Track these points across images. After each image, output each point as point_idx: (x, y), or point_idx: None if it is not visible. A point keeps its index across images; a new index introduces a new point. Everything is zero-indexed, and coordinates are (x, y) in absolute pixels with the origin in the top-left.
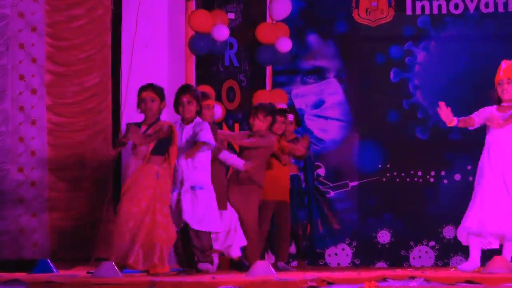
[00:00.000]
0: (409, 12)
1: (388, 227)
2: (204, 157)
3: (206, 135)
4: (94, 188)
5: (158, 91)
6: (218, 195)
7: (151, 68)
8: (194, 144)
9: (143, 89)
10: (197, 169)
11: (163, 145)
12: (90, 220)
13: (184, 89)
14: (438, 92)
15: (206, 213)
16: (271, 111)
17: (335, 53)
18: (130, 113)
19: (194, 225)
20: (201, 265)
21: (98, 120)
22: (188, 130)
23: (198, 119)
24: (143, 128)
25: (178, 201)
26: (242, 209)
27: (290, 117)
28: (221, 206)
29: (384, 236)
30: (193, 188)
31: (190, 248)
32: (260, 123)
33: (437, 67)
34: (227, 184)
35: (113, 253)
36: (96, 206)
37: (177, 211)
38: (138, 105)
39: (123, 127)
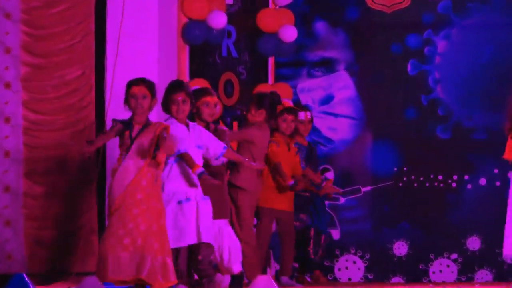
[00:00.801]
0: None
1: (405, 237)
2: None
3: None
4: (75, 194)
5: (150, 86)
6: (219, 203)
7: (140, 59)
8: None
9: (133, 83)
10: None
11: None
12: (71, 230)
13: (178, 87)
14: (460, 86)
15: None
16: (266, 102)
17: (345, 43)
18: (115, 110)
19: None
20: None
21: (80, 117)
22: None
23: (191, 123)
24: (137, 128)
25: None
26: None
27: (308, 114)
28: (224, 215)
29: (400, 248)
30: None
31: (195, 265)
32: (251, 117)
33: (460, 58)
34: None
35: (110, 265)
36: (78, 214)
37: (185, 223)
38: (126, 101)
39: (108, 125)
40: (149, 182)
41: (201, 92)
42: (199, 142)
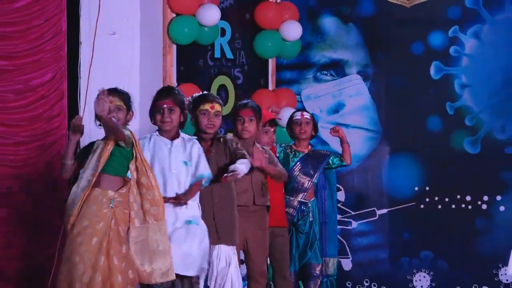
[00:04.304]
0: None
1: (428, 268)
2: None
3: (207, 166)
4: (43, 218)
5: (124, 97)
6: (229, 228)
7: (119, 61)
8: (194, 184)
9: None
10: (190, 200)
11: (121, 160)
12: (38, 261)
13: (165, 92)
14: (492, 92)
15: (198, 256)
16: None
17: (358, 42)
18: (91, 120)
19: (189, 271)
20: None
21: (49, 129)
22: (178, 148)
23: (182, 133)
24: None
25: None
26: None
27: (305, 114)
28: (231, 240)
29: (422, 280)
30: (188, 222)
31: None
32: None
33: (491, 59)
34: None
35: None
36: (46, 241)
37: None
38: (97, 117)
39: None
40: (102, 207)
41: (199, 99)
42: (187, 157)
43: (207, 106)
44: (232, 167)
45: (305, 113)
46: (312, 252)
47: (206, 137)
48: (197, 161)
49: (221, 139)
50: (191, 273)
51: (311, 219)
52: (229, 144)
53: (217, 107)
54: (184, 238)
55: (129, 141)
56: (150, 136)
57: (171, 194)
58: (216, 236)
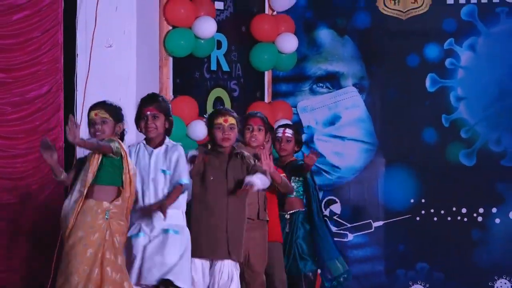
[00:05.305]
0: (450, 0)
1: (424, 280)
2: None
3: (186, 172)
4: (42, 230)
5: (112, 109)
6: (239, 243)
7: (115, 74)
8: (173, 191)
9: (91, 108)
10: (171, 208)
11: (113, 170)
12: (37, 272)
13: (149, 99)
14: (487, 104)
15: (180, 265)
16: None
17: (354, 54)
18: (87, 133)
19: (170, 276)
20: None
21: None
22: (159, 156)
23: (169, 140)
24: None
25: (145, 249)
26: None
27: (286, 132)
28: (239, 255)
29: None
30: (166, 231)
31: None
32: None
33: (486, 72)
34: None
35: None
36: (44, 252)
37: (141, 263)
38: (89, 130)
39: (79, 150)
40: (97, 218)
41: (212, 114)
42: (166, 165)
43: (220, 120)
44: (247, 179)
45: (287, 130)
46: (290, 263)
47: (223, 151)
48: (175, 166)
49: (238, 155)
50: (180, 284)
51: (287, 230)
52: (247, 160)
53: (231, 120)
54: (161, 247)
55: (118, 152)
56: (137, 144)
57: (148, 202)
58: (226, 250)
